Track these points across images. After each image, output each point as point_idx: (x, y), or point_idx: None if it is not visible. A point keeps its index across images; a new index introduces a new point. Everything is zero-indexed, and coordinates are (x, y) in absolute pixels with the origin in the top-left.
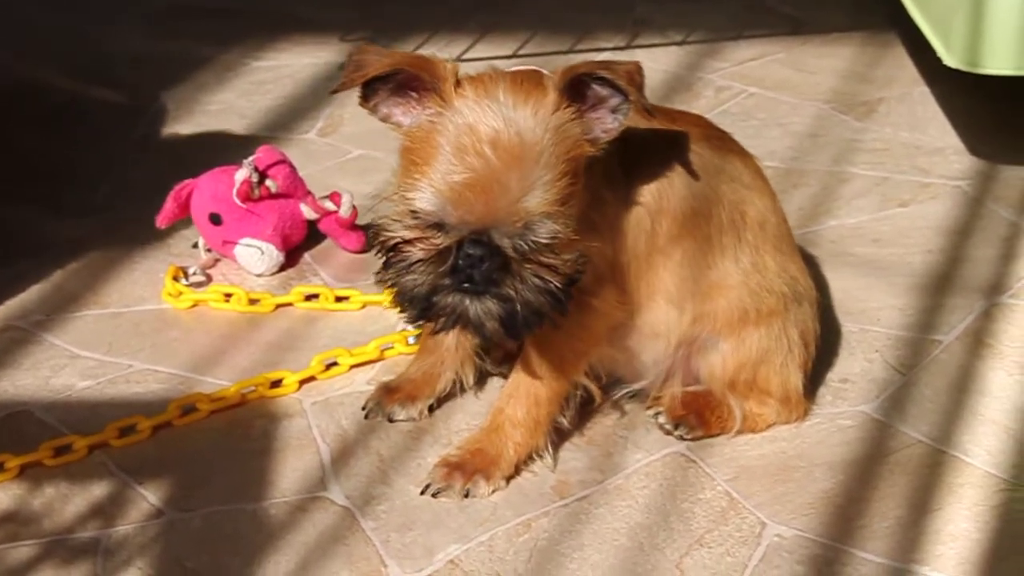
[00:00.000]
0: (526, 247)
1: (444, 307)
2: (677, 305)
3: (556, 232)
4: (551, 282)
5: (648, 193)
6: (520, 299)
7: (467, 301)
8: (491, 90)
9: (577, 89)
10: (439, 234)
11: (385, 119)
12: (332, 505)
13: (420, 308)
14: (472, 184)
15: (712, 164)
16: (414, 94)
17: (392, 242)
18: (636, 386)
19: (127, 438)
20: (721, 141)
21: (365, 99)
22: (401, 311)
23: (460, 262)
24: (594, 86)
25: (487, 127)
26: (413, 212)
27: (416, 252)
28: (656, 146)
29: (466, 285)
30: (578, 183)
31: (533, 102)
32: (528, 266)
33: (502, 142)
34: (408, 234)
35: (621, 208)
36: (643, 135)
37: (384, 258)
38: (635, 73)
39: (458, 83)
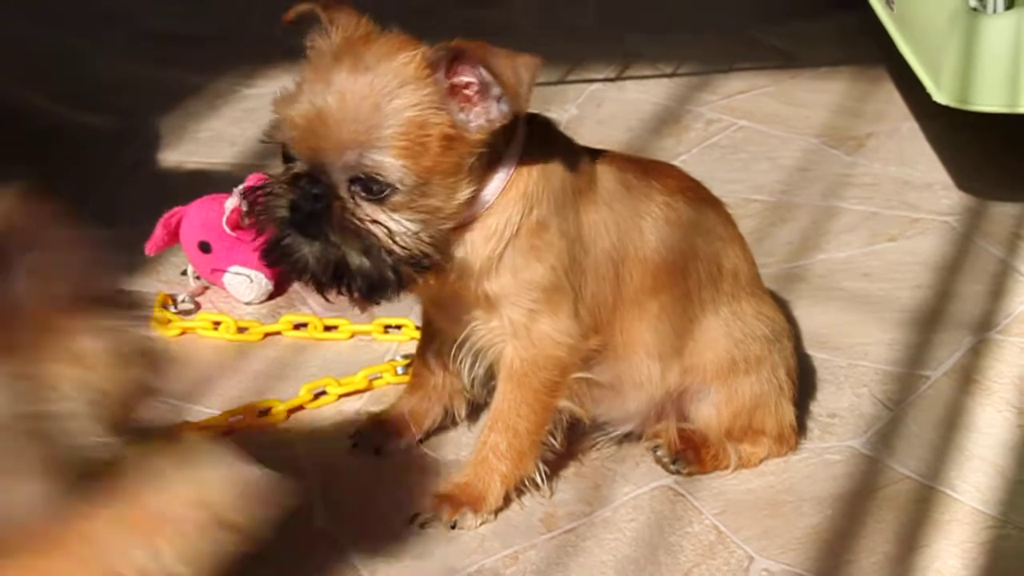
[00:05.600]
0: (359, 186)
1: (286, 250)
2: (658, 360)
3: (388, 170)
4: (382, 236)
5: (608, 239)
6: (349, 246)
7: (302, 243)
8: (362, 40)
9: (453, 67)
10: (291, 166)
11: None
12: (319, 535)
13: (269, 250)
14: (306, 114)
15: (687, 218)
16: None
17: (260, 186)
18: (623, 430)
19: None
20: (694, 192)
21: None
22: (266, 260)
23: (296, 199)
24: (479, 69)
25: (337, 68)
26: (272, 139)
27: (267, 191)
28: (623, 195)
29: (301, 226)
30: (436, 156)
31: (396, 60)
32: (360, 212)
33: (341, 81)
34: (272, 175)
35: (567, 241)
36: (612, 182)
37: (251, 207)
38: (523, 67)
39: (349, 40)
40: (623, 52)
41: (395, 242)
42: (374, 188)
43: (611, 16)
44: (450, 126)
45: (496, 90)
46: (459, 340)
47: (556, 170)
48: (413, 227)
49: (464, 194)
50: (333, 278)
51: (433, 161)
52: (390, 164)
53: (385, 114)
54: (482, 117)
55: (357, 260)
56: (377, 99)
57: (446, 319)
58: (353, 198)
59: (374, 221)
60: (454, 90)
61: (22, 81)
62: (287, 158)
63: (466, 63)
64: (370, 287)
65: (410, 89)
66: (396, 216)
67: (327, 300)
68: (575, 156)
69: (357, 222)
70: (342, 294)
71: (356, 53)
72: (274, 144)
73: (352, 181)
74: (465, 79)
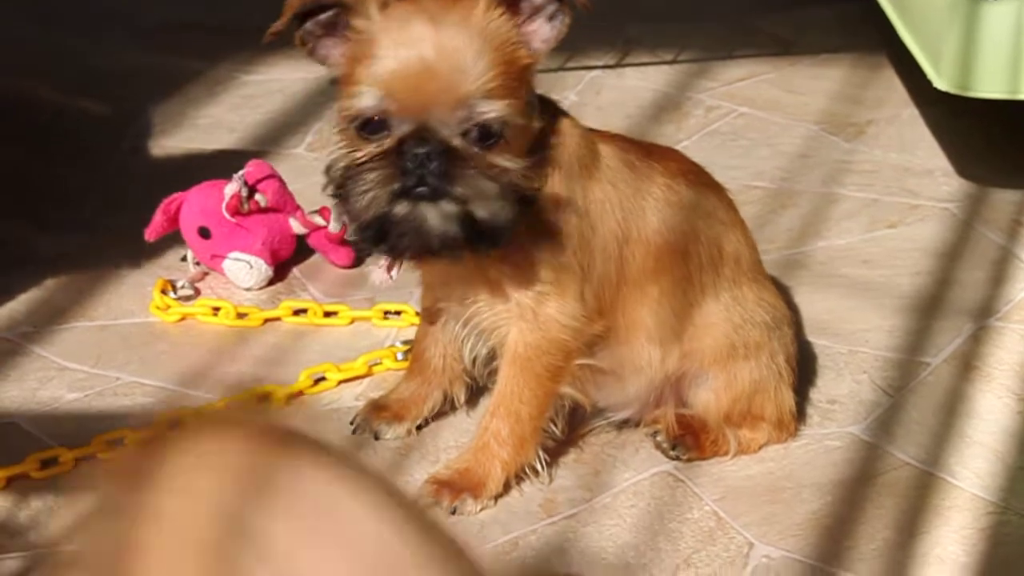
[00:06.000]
0: (473, 136)
1: (400, 220)
2: (658, 344)
3: (500, 113)
4: (505, 179)
5: (613, 219)
6: (477, 195)
7: (422, 207)
8: (411, 3)
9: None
10: (385, 135)
11: (323, 61)
12: None
13: (377, 229)
14: (406, 72)
15: (689, 200)
16: (348, 32)
17: (341, 164)
18: (621, 415)
19: (114, 452)
20: (696, 176)
21: (302, 42)
22: (362, 240)
23: (408, 164)
24: None
25: (416, 25)
26: (355, 115)
27: (365, 168)
28: (626, 175)
29: (419, 190)
30: (520, 90)
31: (461, 4)
32: (479, 161)
33: (430, 35)
34: (356, 148)
35: (576, 218)
36: (615, 161)
37: (339, 191)
38: None
39: (385, 4)
40: (623, 39)
41: (515, 181)
42: (489, 133)
43: (610, 3)
44: (526, 58)
45: (550, 7)
46: (462, 319)
47: (565, 144)
48: (521, 163)
49: (537, 125)
50: (466, 234)
51: (521, 96)
52: (499, 107)
53: (486, 60)
54: (537, 40)
55: (485, 208)
56: (476, 46)
57: (450, 299)
58: (468, 148)
59: (492, 166)
60: (516, 21)
61: (21, 70)
62: (374, 129)
63: None
64: (497, 233)
65: (492, 31)
66: (508, 156)
67: (455, 257)
68: (580, 132)
69: (481, 171)
70: (464, 249)
71: (424, 12)
72: (353, 120)
73: (465, 132)
74: (521, 7)
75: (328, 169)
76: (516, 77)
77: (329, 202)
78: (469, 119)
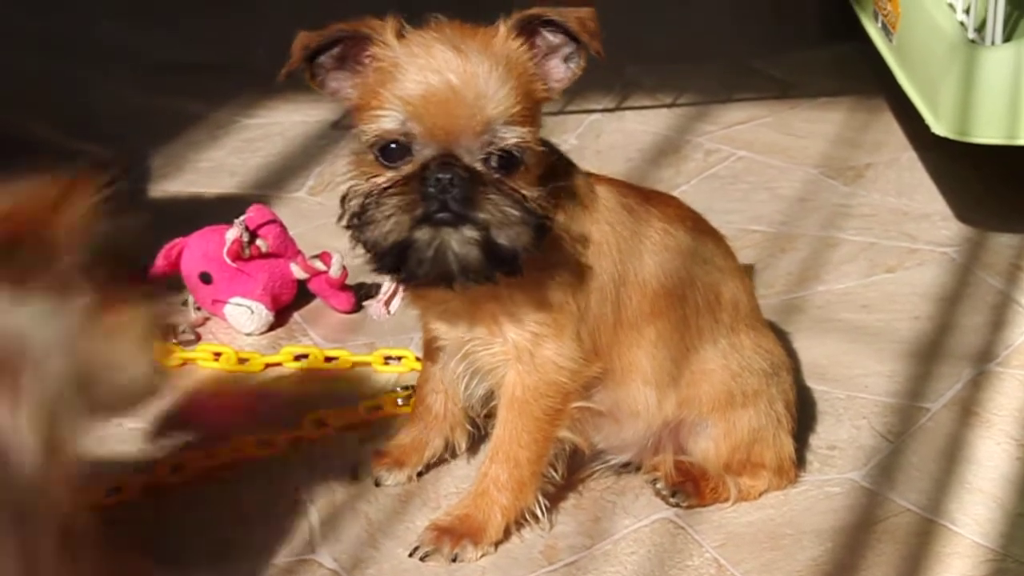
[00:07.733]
0: (495, 162)
1: (421, 245)
2: (655, 388)
3: (522, 139)
4: (525, 205)
5: (610, 260)
6: (499, 221)
7: (444, 233)
8: (437, 28)
9: (528, 35)
10: (407, 161)
11: (334, 94)
12: (320, 568)
13: (396, 255)
14: (431, 96)
15: (686, 246)
16: (358, 64)
17: (360, 191)
18: (621, 459)
19: (115, 497)
20: (694, 222)
21: (312, 76)
22: (379, 267)
23: (431, 189)
24: (545, 33)
25: (440, 51)
26: (378, 138)
27: (387, 193)
28: (624, 218)
29: (442, 215)
30: (536, 121)
31: (481, 33)
32: (501, 187)
33: (454, 61)
34: (375, 175)
35: (574, 258)
36: (613, 203)
37: (355, 219)
38: (587, 19)
39: (402, 32)
40: (622, 82)
41: (534, 208)
42: (512, 159)
43: (610, 46)
44: (542, 91)
45: (566, 49)
46: (459, 356)
47: (564, 186)
48: (538, 192)
49: (544, 160)
50: (486, 259)
51: (537, 127)
52: (521, 133)
53: (509, 86)
54: (551, 79)
55: (505, 234)
56: (499, 72)
57: (446, 336)
58: (490, 174)
59: (514, 191)
60: (533, 57)
61: (24, 111)
62: (395, 155)
63: (537, 28)
64: (515, 259)
65: (513, 59)
66: (525, 185)
67: (459, 287)
68: (579, 175)
69: (503, 196)
70: (482, 275)
71: (445, 39)
72: (374, 145)
73: (487, 157)
74: (538, 44)
75: (344, 199)
76: (533, 107)
77: (329, 246)
78: (492, 144)
